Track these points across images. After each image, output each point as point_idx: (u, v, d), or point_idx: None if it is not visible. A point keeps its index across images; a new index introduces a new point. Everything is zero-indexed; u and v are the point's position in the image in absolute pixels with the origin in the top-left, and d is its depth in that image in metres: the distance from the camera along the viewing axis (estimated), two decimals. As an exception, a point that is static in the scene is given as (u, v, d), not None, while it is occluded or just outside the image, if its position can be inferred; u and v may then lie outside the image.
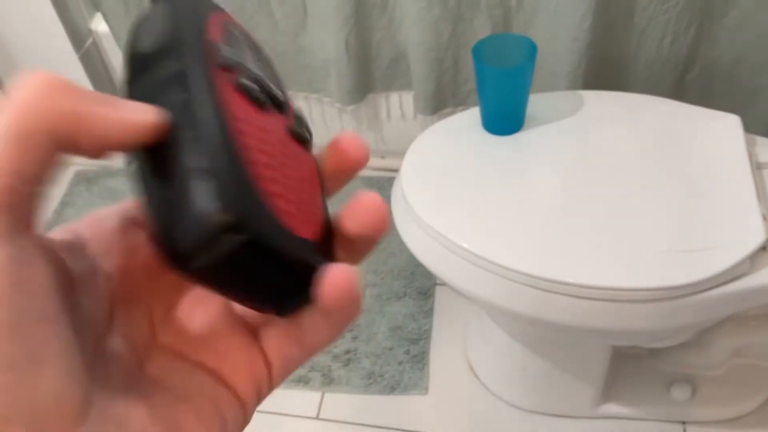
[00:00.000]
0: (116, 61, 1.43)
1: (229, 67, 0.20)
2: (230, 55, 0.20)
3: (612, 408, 1.07)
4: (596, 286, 0.73)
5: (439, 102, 1.20)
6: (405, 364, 1.17)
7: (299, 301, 0.20)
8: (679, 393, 1.05)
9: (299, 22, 1.18)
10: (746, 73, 1.06)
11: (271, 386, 0.22)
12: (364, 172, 1.37)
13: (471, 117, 0.92)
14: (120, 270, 0.20)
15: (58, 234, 0.19)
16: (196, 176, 0.17)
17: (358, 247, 0.22)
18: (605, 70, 1.10)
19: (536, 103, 0.90)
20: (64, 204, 1.48)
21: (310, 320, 0.21)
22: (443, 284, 1.26)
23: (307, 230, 0.20)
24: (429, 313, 1.23)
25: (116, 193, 1.49)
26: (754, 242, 0.74)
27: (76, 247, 0.19)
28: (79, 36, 1.37)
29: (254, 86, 0.20)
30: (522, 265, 0.75)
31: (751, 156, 0.84)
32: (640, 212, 0.79)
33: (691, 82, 1.10)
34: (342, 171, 0.23)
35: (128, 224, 0.21)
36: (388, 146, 1.39)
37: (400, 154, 0.90)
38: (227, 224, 0.17)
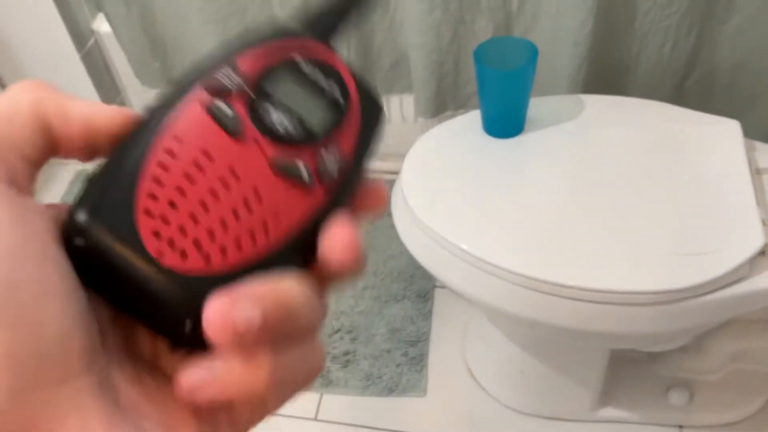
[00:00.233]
0: (118, 61, 1.43)
1: (219, 90, 0.21)
2: (229, 79, 0.21)
3: (610, 412, 1.07)
4: (596, 289, 0.74)
5: (440, 105, 1.21)
6: (403, 366, 1.17)
7: (180, 334, 0.19)
8: (677, 397, 1.05)
9: (301, 24, 1.19)
10: (746, 79, 1.06)
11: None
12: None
13: (472, 120, 0.92)
14: None
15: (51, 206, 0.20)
16: (89, 177, 0.20)
17: (330, 279, 0.21)
18: (606, 74, 1.10)
19: (537, 106, 0.91)
20: (64, 203, 1.48)
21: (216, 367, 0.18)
22: (442, 287, 1.26)
23: (202, 263, 0.19)
24: (428, 315, 1.24)
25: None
26: (753, 246, 0.74)
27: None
28: (81, 36, 1.38)
29: (226, 111, 0.20)
30: (522, 268, 0.75)
31: (751, 161, 0.84)
32: (640, 216, 0.79)
33: (691, 87, 1.10)
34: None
35: None
36: (388, 149, 1.39)
37: (401, 156, 0.90)
38: (75, 226, 0.18)
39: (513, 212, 0.81)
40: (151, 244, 0.18)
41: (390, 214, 0.90)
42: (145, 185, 0.19)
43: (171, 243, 0.19)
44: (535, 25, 1.09)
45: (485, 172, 0.86)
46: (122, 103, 1.50)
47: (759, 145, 0.88)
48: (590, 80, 1.09)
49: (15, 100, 0.19)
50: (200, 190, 0.19)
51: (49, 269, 0.16)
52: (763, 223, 0.77)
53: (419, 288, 1.27)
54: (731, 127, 0.88)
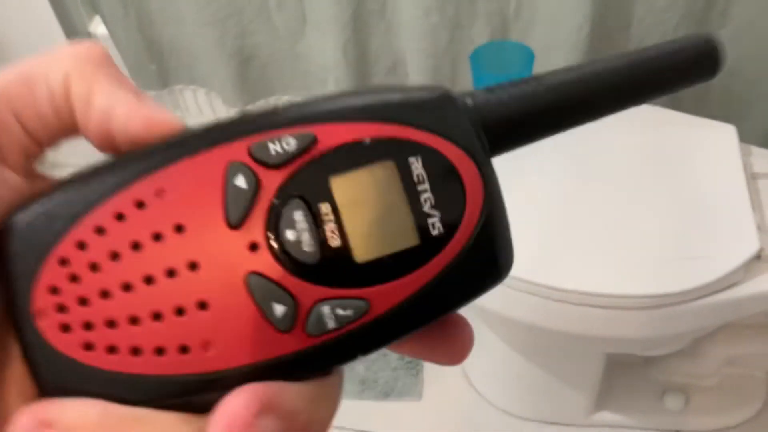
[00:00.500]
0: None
1: (261, 157, 0.16)
2: (285, 147, 0.16)
3: (605, 416, 1.07)
4: (591, 293, 0.74)
5: (437, 109, 1.20)
6: (399, 370, 1.17)
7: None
8: (673, 402, 1.05)
9: (298, 28, 1.19)
10: (742, 84, 1.07)
11: None
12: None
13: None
14: None
15: None
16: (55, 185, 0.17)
17: None
18: (602, 79, 1.10)
19: (533, 110, 0.91)
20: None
21: None
22: (438, 291, 1.26)
23: (81, 350, 0.16)
24: (424, 319, 1.23)
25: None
26: (748, 251, 0.74)
27: None
28: (77, 39, 1.37)
29: (241, 186, 0.16)
30: (517, 272, 0.75)
31: (746, 166, 0.85)
32: (636, 220, 0.79)
33: (687, 91, 1.09)
34: None
35: None
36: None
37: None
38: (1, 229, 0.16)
39: (508, 216, 0.81)
40: (39, 305, 0.16)
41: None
42: (67, 241, 0.16)
43: (59, 309, 0.16)
44: (531, 29, 1.09)
45: (481, 176, 0.86)
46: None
47: (754, 150, 0.88)
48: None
49: (52, 65, 0.17)
50: (132, 268, 0.16)
51: None
52: (758, 227, 0.77)
53: (415, 292, 1.27)
54: (727, 132, 0.88)
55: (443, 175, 0.16)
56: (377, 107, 0.16)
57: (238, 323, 0.15)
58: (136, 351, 0.16)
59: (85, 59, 0.17)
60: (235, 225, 0.16)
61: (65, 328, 0.16)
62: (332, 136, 0.16)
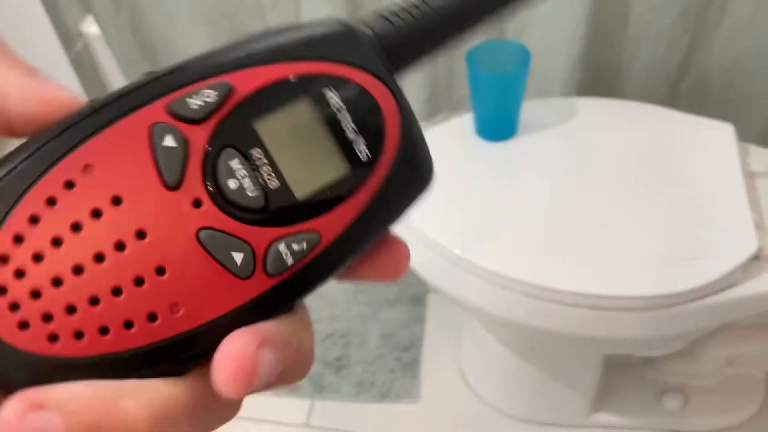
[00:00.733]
0: (107, 63, 1.42)
1: (182, 114, 0.16)
2: (205, 100, 0.16)
3: (604, 417, 1.07)
4: (589, 294, 0.73)
5: (433, 108, 1.20)
6: (396, 372, 1.16)
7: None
8: (671, 402, 1.05)
9: (292, 26, 1.18)
10: (740, 82, 1.06)
11: None
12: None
13: (464, 123, 0.92)
14: None
15: None
16: None
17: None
18: (599, 77, 1.10)
19: (530, 109, 0.90)
20: None
21: None
22: (436, 292, 1.25)
23: (42, 342, 0.15)
24: (421, 320, 1.23)
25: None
26: (746, 251, 0.74)
27: None
28: (69, 38, 1.36)
29: (171, 145, 0.15)
30: (514, 273, 0.75)
31: (744, 165, 0.84)
32: (633, 220, 0.79)
33: (684, 90, 1.10)
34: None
35: None
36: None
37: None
38: None
39: (505, 216, 0.80)
40: None
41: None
42: (2, 238, 0.15)
43: (12, 308, 0.15)
44: (528, 28, 1.08)
45: (478, 176, 0.86)
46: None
47: (752, 149, 0.88)
48: (583, 83, 1.08)
49: None
50: (78, 249, 0.15)
51: None
52: (756, 227, 0.76)
53: (412, 293, 1.26)
54: (725, 131, 0.88)
55: (358, 100, 0.17)
56: (284, 47, 0.17)
57: (199, 279, 0.16)
58: (103, 330, 0.15)
59: None
60: (173, 186, 0.16)
61: (23, 325, 0.15)
62: (247, 82, 0.16)
